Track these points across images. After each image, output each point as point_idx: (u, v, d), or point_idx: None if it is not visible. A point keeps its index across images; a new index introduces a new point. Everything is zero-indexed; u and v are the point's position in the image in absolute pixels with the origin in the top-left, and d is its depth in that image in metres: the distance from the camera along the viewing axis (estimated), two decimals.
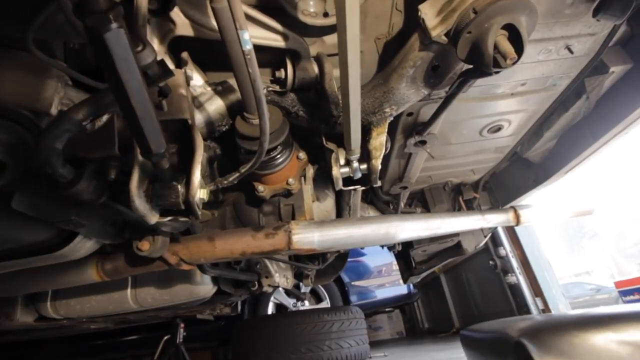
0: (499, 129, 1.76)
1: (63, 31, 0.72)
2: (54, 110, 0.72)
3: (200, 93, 1.05)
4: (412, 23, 1.08)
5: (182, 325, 2.84)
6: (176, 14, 0.89)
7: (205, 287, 1.88)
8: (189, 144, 0.88)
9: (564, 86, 1.54)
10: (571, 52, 1.34)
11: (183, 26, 0.91)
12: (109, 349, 4.18)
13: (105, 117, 0.80)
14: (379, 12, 1.09)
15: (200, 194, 0.82)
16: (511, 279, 4.00)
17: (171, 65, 0.92)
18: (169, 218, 0.91)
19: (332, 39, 1.14)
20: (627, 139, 1.67)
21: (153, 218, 0.85)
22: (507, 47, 0.75)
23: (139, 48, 0.61)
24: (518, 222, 1.88)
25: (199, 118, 1.02)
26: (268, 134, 0.81)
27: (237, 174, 0.95)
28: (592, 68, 1.43)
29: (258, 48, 1.01)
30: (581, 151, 1.75)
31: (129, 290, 1.83)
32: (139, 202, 0.77)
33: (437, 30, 0.82)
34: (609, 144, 1.67)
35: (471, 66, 0.91)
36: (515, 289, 3.97)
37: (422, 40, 0.90)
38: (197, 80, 1.05)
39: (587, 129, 1.71)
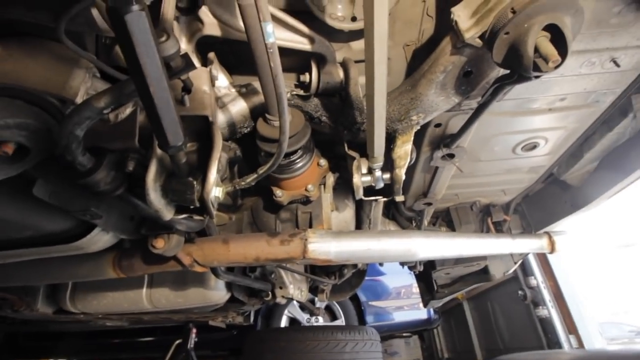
0: (534, 146, 1.66)
1: (94, 24, 0.73)
2: (79, 100, 0.73)
3: (224, 94, 1.05)
4: (444, 29, 1.04)
5: (195, 330, 2.83)
6: (205, 13, 0.90)
7: (218, 292, 1.86)
8: (209, 143, 0.87)
9: (608, 103, 1.43)
10: (617, 65, 1.25)
11: (211, 26, 0.92)
12: (124, 348, 4.24)
13: (128, 111, 0.81)
14: (409, 18, 1.06)
15: (216, 192, 0.80)
16: (542, 312, 3.70)
17: (197, 63, 0.93)
18: (184, 215, 0.90)
19: (359, 44, 1.12)
20: None
21: (168, 214, 0.83)
22: (550, 49, 0.69)
23: (163, 38, 0.61)
24: (553, 250, 1.74)
25: (221, 118, 1.01)
26: (287, 133, 0.78)
27: (255, 175, 0.93)
28: None
29: (284, 51, 1.00)
30: (626, 175, 1.61)
31: (144, 289, 1.83)
32: (154, 196, 0.76)
33: (470, 32, 0.78)
34: None
35: (507, 72, 0.85)
36: (547, 323, 3.66)
37: (454, 44, 0.86)
38: (222, 81, 1.05)
39: (632, 151, 1.57)
